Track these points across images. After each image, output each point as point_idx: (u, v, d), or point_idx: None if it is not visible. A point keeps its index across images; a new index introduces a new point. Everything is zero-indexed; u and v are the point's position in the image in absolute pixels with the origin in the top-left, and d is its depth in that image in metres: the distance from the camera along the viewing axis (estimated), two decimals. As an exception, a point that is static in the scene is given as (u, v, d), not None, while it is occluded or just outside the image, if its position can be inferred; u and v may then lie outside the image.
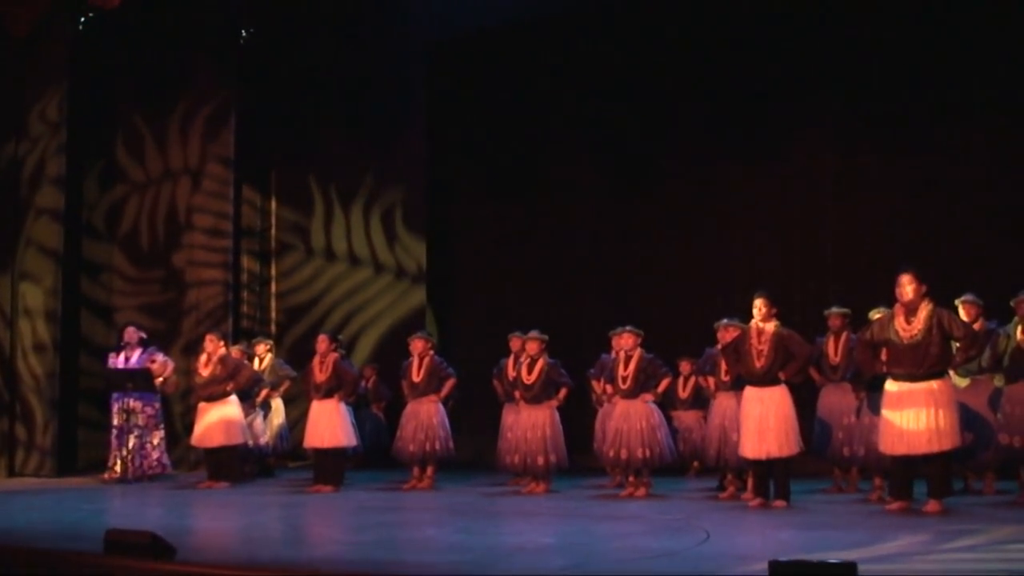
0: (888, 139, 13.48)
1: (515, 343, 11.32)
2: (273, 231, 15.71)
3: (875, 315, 9.40)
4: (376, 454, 13.33)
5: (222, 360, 11.87)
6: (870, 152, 13.58)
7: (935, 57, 12.93)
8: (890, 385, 8.53)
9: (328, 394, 11.26)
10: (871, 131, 13.58)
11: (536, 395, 10.76)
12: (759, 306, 9.24)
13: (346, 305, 15.37)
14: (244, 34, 14.70)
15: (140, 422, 12.44)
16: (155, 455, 12.54)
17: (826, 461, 10.36)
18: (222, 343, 12.14)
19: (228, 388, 11.80)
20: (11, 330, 13.43)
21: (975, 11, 12.40)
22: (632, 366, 10.32)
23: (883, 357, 8.69)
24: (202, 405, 11.93)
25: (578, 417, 11.68)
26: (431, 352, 11.60)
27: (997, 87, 12.75)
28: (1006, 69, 12.63)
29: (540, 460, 10.64)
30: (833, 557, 5.16)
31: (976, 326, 9.14)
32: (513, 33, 14.77)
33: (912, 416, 8.32)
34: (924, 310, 8.43)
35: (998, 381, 9.37)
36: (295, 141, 15.67)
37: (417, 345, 11.59)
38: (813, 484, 10.36)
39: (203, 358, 12.03)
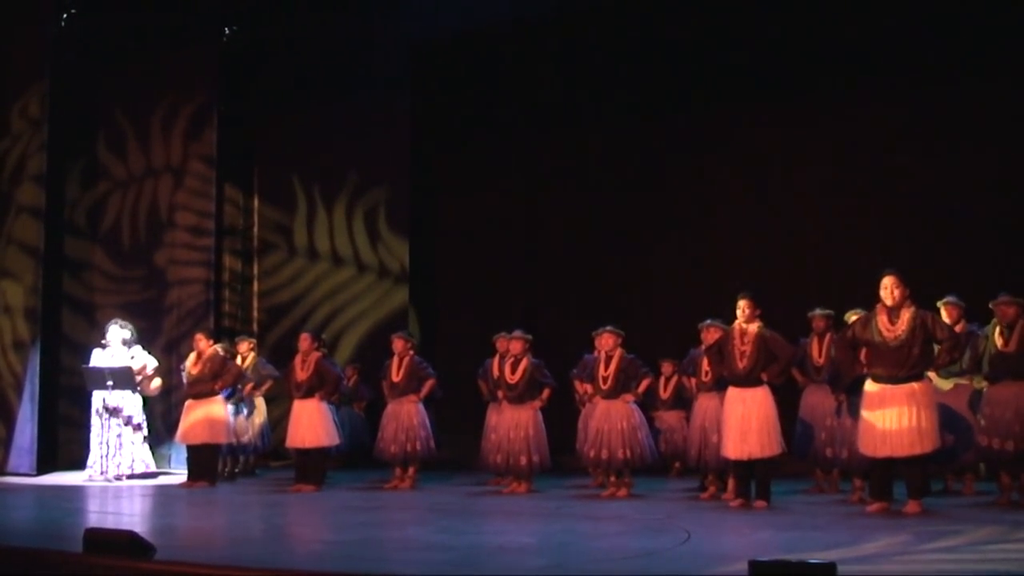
0: (870, 142, 13.53)
1: (501, 344, 11.35)
2: (255, 230, 15.67)
3: (852, 317, 9.44)
4: (358, 453, 13.32)
5: (211, 359, 11.85)
6: (853, 155, 13.63)
7: (918, 63, 12.99)
8: (870, 386, 8.56)
9: (309, 393, 11.24)
10: (855, 134, 13.64)
11: (519, 395, 10.76)
12: (743, 307, 9.26)
13: (328, 304, 15.34)
14: (227, 32, 14.65)
15: (121, 420, 12.42)
16: (136, 453, 12.52)
17: (808, 462, 10.39)
18: (212, 341, 12.13)
19: (216, 387, 11.78)
20: (-9, 328, 13.41)
21: (958, 17, 12.46)
22: (613, 366, 10.34)
23: (862, 357, 8.71)
24: (189, 402, 11.92)
25: (561, 417, 11.69)
26: (411, 352, 11.60)
27: (978, 91, 12.82)
28: (989, 74, 12.71)
29: (523, 460, 10.65)
30: (813, 557, 5.17)
31: (958, 328, 9.17)
32: (497, 33, 14.77)
33: (893, 418, 8.34)
34: (907, 312, 8.46)
35: (978, 383, 9.41)
36: (278, 140, 15.64)
37: (397, 345, 11.60)
38: (794, 485, 10.40)
39: (193, 356, 12.02)
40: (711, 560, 6.60)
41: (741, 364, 9.19)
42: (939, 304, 9.53)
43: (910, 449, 8.30)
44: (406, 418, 11.38)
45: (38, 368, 13.14)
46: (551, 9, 14.22)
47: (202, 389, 11.80)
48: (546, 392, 10.84)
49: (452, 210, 16.34)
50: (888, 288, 8.51)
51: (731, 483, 9.54)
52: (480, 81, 15.33)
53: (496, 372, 11.06)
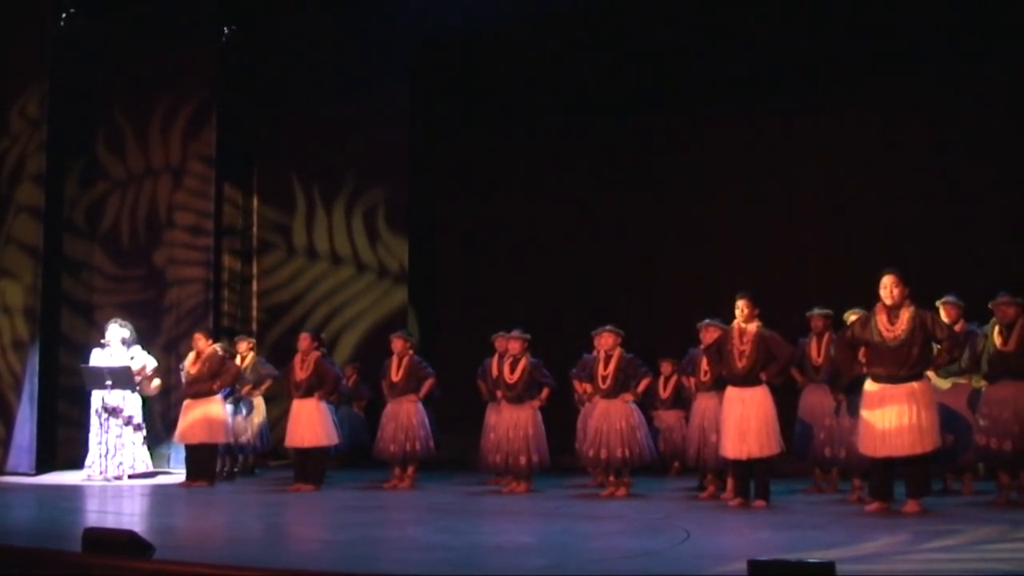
0: (870, 142, 13.54)
1: (500, 344, 11.34)
2: (255, 229, 15.65)
3: (851, 316, 9.45)
4: (357, 453, 13.33)
5: (210, 358, 11.85)
6: (853, 155, 13.64)
7: (918, 62, 13.01)
8: (870, 386, 8.56)
9: (308, 392, 11.23)
10: (854, 134, 13.65)
11: (518, 394, 10.76)
12: (741, 307, 9.26)
13: (327, 304, 15.34)
14: (226, 32, 14.65)
15: (121, 420, 12.42)
16: (135, 453, 12.52)
17: (807, 462, 10.39)
18: (211, 341, 12.13)
19: (214, 386, 11.78)
20: (-10, 327, 13.41)
21: (957, 18, 12.47)
22: (612, 366, 10.34)
23: (861, 357, 8.72)
24: (187, 402, 11.91)
25: (560, 417, 11.70)
26: (410, 352, 11.60)
27: (978, 91, 12.83)
28: (988, 73, 12.72)
29: (522, 460, 10.65)
30: (812, 557, 5.17)
31: (957, 327, 9.18)
32: (497, 32, 14.77)
33: (894, 417, 8.34)
34: (907, 311, 8.46)
35: (976, 382, 9.41)
36: (277, 140, 15.62)
37: (396, 344, 11.61)
38: (793, 484, 10.39)
39: (192, 356, 12.01)
40: (710, 560, 6.60)
41: (740, 364, 9.19)
42: (938, 303, 9.53)
43: (910, 449, 8.30)
44: (405, 418, 11.38)
45: (37, 368, 13.13)
46: (551, 9, 14.21)
47: (200, 389, 11.79)
48: (545, 392, 10.83)
49: (452, 210, 16.33)
50: (888, 287, 8.51)
51: (730, 483, 9.54)
52: (480, 80, 15.33)
53: (495, 372, 11.05)
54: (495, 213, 15.79)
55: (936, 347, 8.59)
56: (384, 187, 15.22)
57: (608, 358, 10.39)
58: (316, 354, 11.36)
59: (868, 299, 8.82)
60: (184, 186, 14.35)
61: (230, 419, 12.11)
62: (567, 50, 14.56)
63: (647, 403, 11.33)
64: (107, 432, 12.36)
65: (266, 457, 13.78)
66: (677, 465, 12.21)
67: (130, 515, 9.54)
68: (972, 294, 9.73)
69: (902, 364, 8.39)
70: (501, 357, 11.11)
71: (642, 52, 14.17)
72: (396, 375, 11.51)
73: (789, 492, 10.03)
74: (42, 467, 13.02)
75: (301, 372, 11.28)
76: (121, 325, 12.75)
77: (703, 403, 10.27)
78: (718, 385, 9.65)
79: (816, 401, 10.18)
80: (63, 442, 13.65)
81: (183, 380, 12.17)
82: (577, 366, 11.36)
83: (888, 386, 8.42)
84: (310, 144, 15.43)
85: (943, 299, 9.65)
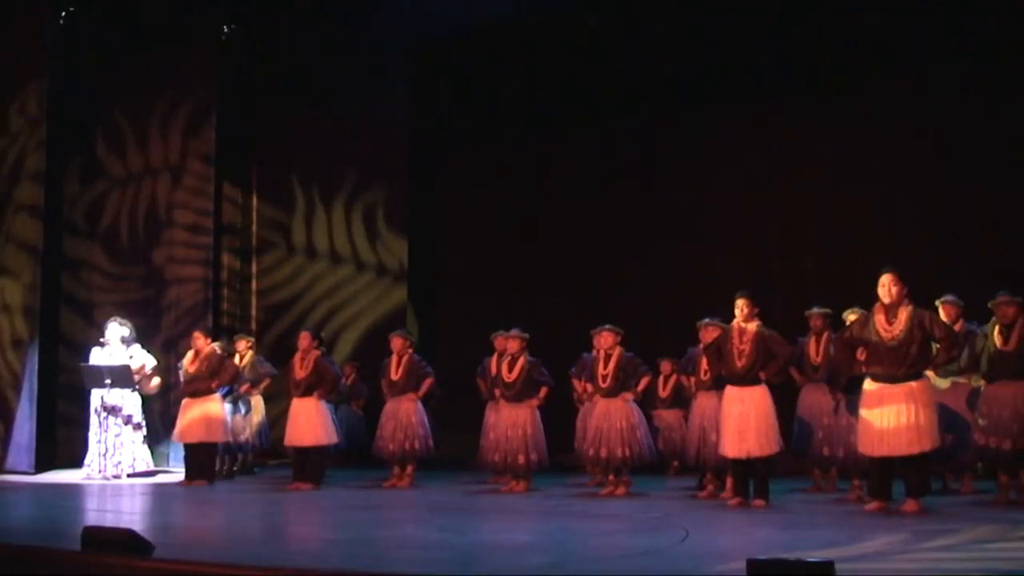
0: (869, 141, 13.54)
1: (499, 343, 11.33)
2: (254, 228, 15.66)
3: (850, 316, 9.45)
4: (356, 452, 13.33)
5: (208, 357, 11.84)
6: (853, 155, 13.64)
7: (917, 62, 13.01)
8: (869, 385, 8.55)
9: (308, 391, 11.23)
10: (854, 134, 13.65)
11: (517, 393, 10.75)
12: (741, 306, 9.26)
13: (327, 303, 15.35)
14: (226, 30, 14.65)
15: (121, 419, 12.41)
16: (135, 452, 12.51)
17: (806, 461, 10.39)
18: (210, 340, 12.13)
19: (213, 385, 11.77)
20: (-10, 326, 13.40)
21: (956, 16, 12.47)
22: (612, 365, 10.34)
23: (860, 357, 8.72)
24: (186, 401, 11.90)
25: (559, 416, 11.70)
26: (410, 351, 11.61)
27: (977, 91, 12.82)
28: (988, 73, 12.72)
29: (521, 459, 10.64)
30: (811, 556, 5.17)
31: (956, 327, 9.18)
32: (497, 32, 14.77)
33: (892, 416, 8.33)
34: (905, 311, 8.46)
35: (975, 382, 9.41)
36: (277, 138, 15.63)
37: (396, 343, 11.61)
38: (792, 483, 10.39)
39: (191, 354, 12.01)
40: (709, 559, 6.60)
41: (740, 363, 9.18)
42: (938, 303, 9.53)
43: (908, 448, 8.29)
44: (404, 416, 11.38)
45: (37, 367, 13.12)
46: (551, 8, 14.22)
47: (199, 387, 11.78)
48: (543, 391, 10.82)
49: (451, 208, 16.35)
50: (886, 286, 8.51)
51: (729, 482, 9.55)
52: (480, 80, 15.33)
53: (494, 370, 11.05)
54: (495, 212, 15.80)
55: (935, 346, 8.59)
56: (384, 186, 15.23)
57: (608, 357, 10.39)
58: (316, 353, 11.35)
59: (867, 299, 8.81)
60: (183, 185, 14.35)
61: (229, 418, 12.10)
62: (567, 50, 14.56)
63: (647, 402, 11.32)
64: (106, 431, 12.35)
65: (265, 456, 13.77)
66: (676, 464, 12.21)
67: (129, 514, 9.54)
68: (972, 294, 9.73)
69: (901, 363, 8.38)
70: (500, 356, 11.11)
71: (642, 52, 14.18)
72: (395, 374, 11.51)
73: (788, 491, 10.02)
74: (42, 466, 13.01)
75: (301, 371, 11.28)
76: (120, 324, 12.75)
77: (703, 402, 10.27)
78: (718, 384, 9.64)
79: (815, 400, 10.18)
80: (63, 441, 13.65)
81: (182, 379, 12.17)
82: (577, 365, 11.37)
83: (887, 385, 8.41)
84: (310, 143, 15.44)
85: (943, 298, 9.65)
